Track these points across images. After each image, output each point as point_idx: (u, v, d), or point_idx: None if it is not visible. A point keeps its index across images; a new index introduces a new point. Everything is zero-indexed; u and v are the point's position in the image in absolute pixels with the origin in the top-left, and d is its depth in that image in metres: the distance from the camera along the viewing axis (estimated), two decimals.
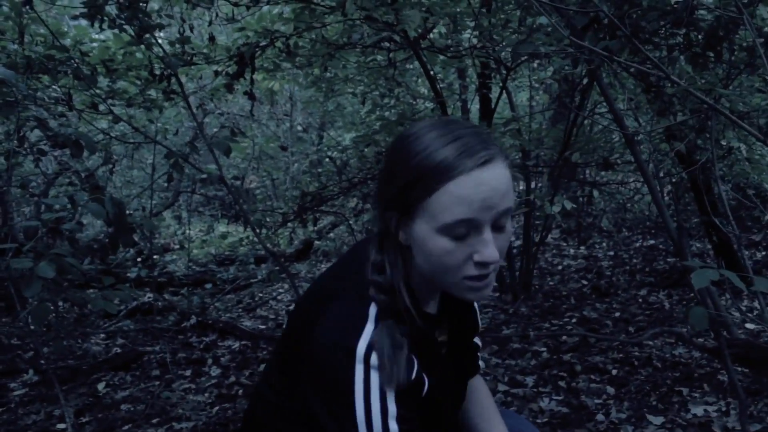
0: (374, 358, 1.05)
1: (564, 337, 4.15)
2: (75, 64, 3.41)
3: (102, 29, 3.33)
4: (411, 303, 1.12)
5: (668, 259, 6.35)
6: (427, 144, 1.03)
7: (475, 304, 1.48)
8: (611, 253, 7.00)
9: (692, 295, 4.90)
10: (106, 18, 3.30)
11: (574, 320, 4.62)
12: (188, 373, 4.03)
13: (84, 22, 3.65)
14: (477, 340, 1.49)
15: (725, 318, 2.65)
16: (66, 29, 4.07)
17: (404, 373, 1.08)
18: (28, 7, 3.13)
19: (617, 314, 4.69)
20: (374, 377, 1.05)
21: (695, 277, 1.46)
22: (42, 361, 4.05)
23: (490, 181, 1.00)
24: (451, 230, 1.01)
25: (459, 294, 1.09)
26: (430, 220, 1.02)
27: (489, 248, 1.03)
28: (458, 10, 3.72)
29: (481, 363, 1.52)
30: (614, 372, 3.57)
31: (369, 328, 1.08)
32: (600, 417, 3.01)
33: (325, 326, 1.10)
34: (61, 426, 3.29)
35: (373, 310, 1.10)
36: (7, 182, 4.36)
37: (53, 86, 3.88)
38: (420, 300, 1.17)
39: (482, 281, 1.07)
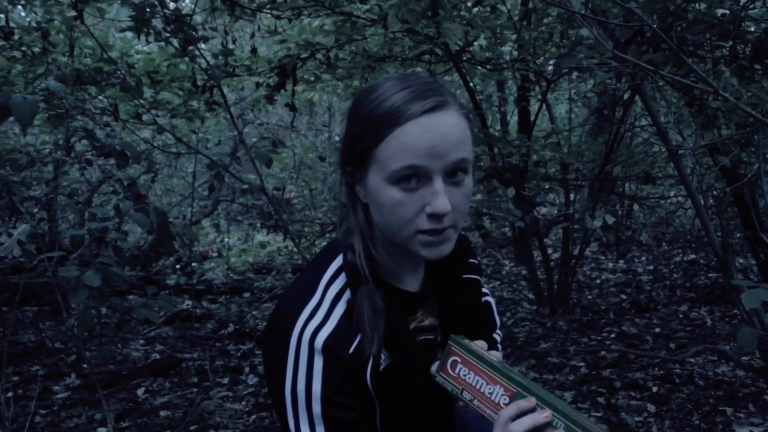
0: (313, 337, 1.03)
1: (603, 353, 4.09)
2: (121, 76, 3.50)
3: (148, 42, 3.41)
4: (374, 272, 1.08)
5: (710, 275, 6.21)
6: (378, 93, 1.00)
7: (491, 300, 1.41)
8: (651, 267, 6.88)
9: (736, 312, 4.80)
10: (152, 31, 3.38)
11: (612, 335, 4.55)
12: (226, 381, 4.07)
13: (129, 35, 3.74)
14: (496, 335, 1.42)
15: None
16: (111, 42, 4.17)
17: (378, 341, 1.04)
18: (78, 21, 3.22)
19: (657, 330, 4.60)
20: (303, 354, 1.03)
21: (746, 297, 1.43)
22: (84, 366, 4.13)
23: (438, 128, 0.96)
24: (400, 179, 0.98)
25: (416, 251, 1.04)
26: (381, 169, 0.99)
27: (439, 199, 0.97)
28: (499, 23, 3.71)
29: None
30: (655, 389, 3.50)
31: (312, 302, 1.07)
32: None
33: (277, 304, 1.11)
34: (102, 430, 3.34)
35: (323, 282, 1.08)
36: (54, 190, 4.48)
37: (100, 97, 3.98)
38: (389, 273, 1.12)
39: (437, 236, 1.01)
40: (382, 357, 1.08)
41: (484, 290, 1.43)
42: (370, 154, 1.00)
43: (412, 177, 0.98)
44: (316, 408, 1.03)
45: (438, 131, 0.97)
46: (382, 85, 1.03)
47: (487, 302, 1.42)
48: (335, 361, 1.03)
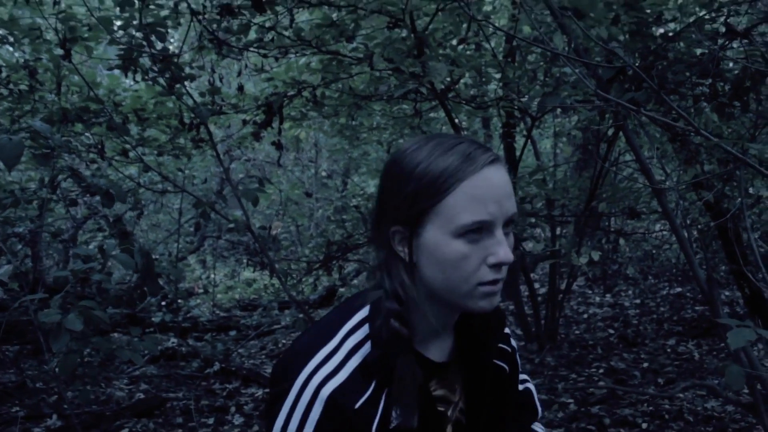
0: (320, 386, 1.01)
1: (591, 389, 4.07)
2: (108, 115, 3.50)
3: (136, 81, 3.42)
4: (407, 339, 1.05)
5: (696, 308, 6.23)
6: (427, 154, 1.01)
7: (531, 387, 1.38)
8: (637, 301, 6.90)
9: (723, 345, 4.80)
10: (139, 69, 3.40)
11: (601, 371, 4.53)
12: (211, 421, 4.00)
13: (117, 72, 3.76)
14: (538, 427, 1.37)
15: (760, 372, 2.58)
16: (99, 79, 4.19)
17: (415, 412, 1.02)
18: (66, 60, 3.23)
19: (645, 365, 4.60)
20: (305, 399, 1.01)
21: (732, 337, 1.43)
22: (66, 407, 4.05)
23: (498, 180, 0.99)
24: (467, 233, 0.98)
25: (473, 305, 1.03)
26: (445, 224, 0.98)
27: (504, 248, 0.99)
28: (483, 61, 3.76)
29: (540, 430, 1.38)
30: (644, 426, 3.49)
31: (328, 348, 1.04)
32: None
33: (293, 342, 1.09)
34: None
35: (344, 330, 1.06)
36: (39, 228, 4.44)
37: (86, 134, 3.98)
38: (416, 338, 1.10)
39: (495, 286, 1.02)
40: (395, 414, 1.04)
41: (523, 376, 1.39)
42: (431, 210, 1.00)
43: (478, 228, 0.99)
44: None
45: (499, 184, 0.99)
46: (424, 147, 1.03)
47: (527, 389, 1.39)
48: (336, 414, 1.01)
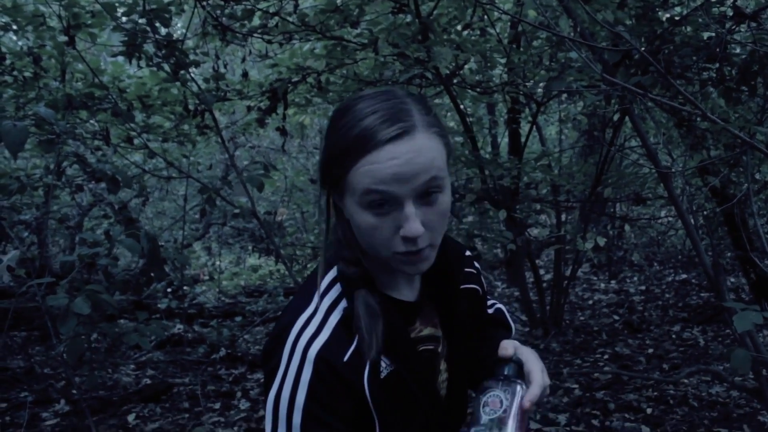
0: (307, 347, 1.03)
1: (596, 374, 4.08)
2: (113, 101, 3.50)
3: (140, 67, 3.41)
4: (368, 281, 1.09)
5: (701, 294, 6.23)
6: (350, 117, 1.00)
7: (502, 306, 1.42)
8: (642, 287, 6.89)
9: (728, 331, 4.80)
10: (144, 56, 3.39)
11: (606, 356, 4.54)
12: (217, 406, 4.03)
13: (121, 59, 3.76)
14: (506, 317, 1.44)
15: (765, 357, 2.58)
16: (103, 66, 4.18)
17: (377, 345, 1.04)
18: (70, 47, 3.23)
19: (650, 350, 4.60)
20: (294, 362, 1.02)
21: (738, 320, 1.43)
22: (74, 391, 4.08)
23: (403, 154, 0.97)
24: (370, 204, 0.99)
25: (397, 268, 1.06)
26: (353, 195, 1.00)
27: (410, 222, 0.98)
28: (489, 46, 3.74)
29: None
30: (649, 411, 3.50)
31: (307, 312, 1.07)
32: None
33: (276, 321, 1.12)
34: None
35: (318, 292, 1.09)
36: (45, 215, 4.46)
37: (91, 121, 3.98)
38: (384, 283, 1.13)
39: (415, 256, 1.03)
40: (384, 365, 1.07)
41: (491, 300, 1.43)
42: (344, 179, 1.01)
43: (382, 203, 0.99)
44: (296, 419, 1.02)
45: (403, 158, 0.97)
46: (354, 106, 1.02)
47: (498, 309, 1.43)
48: (327, 372, 1.02)
